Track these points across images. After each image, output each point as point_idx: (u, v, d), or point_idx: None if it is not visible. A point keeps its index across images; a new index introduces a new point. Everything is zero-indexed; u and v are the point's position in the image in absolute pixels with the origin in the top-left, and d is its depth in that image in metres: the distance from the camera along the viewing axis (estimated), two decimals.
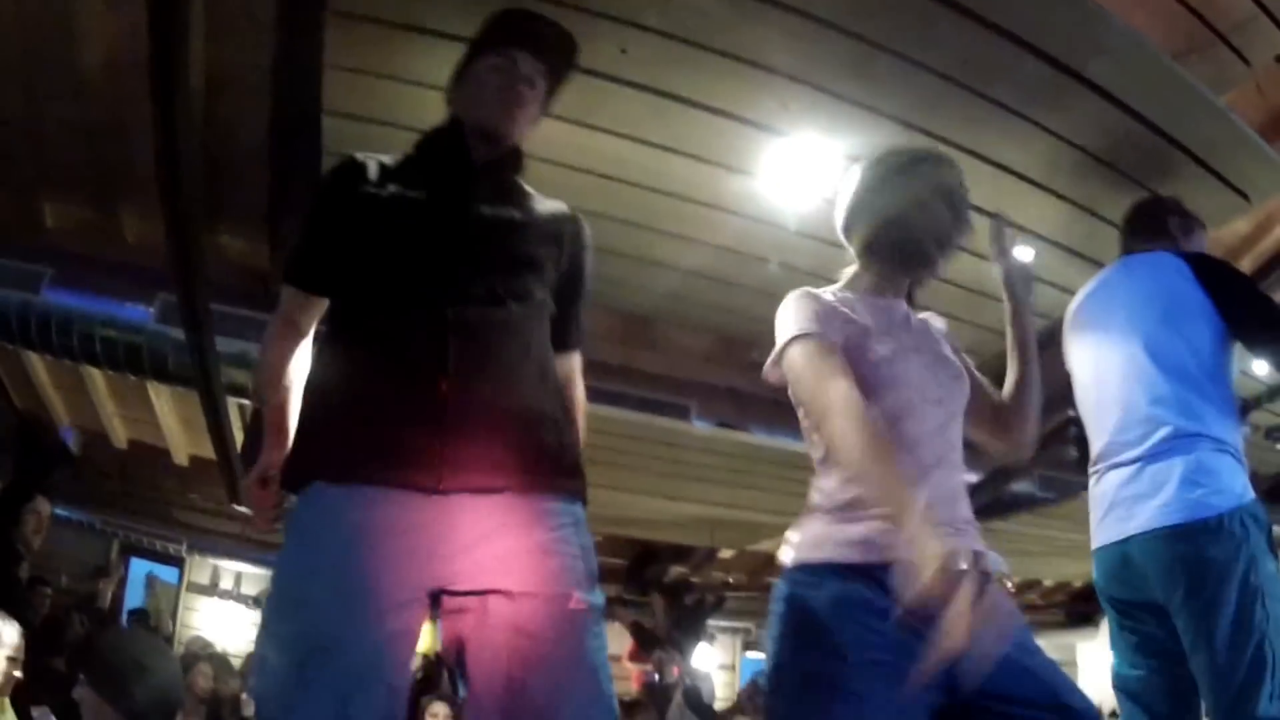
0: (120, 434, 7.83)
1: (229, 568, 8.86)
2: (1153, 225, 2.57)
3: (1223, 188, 3.19)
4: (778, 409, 5.70)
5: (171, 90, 2.67)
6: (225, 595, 8.79)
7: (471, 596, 1.36)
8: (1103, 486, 2.28)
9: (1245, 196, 3.24)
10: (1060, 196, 3.26)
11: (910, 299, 1.85)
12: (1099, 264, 3.34)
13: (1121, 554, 2.18)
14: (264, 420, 1.66)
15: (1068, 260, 3.53)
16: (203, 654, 6.09)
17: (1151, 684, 2.20)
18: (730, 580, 10.00)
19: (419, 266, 1.50)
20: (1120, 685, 2.26)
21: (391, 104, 2.90)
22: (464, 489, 1.36)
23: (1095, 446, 2.35)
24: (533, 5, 2.67)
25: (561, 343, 1.66)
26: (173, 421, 7.18)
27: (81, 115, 4.48)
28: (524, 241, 1.60)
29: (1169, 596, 2.08)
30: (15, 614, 3.82)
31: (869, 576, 1.47)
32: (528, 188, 1.71)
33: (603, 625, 1.43)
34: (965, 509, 1.65)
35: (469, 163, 1.62)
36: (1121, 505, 2.19)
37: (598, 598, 1.43)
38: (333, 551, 1.32)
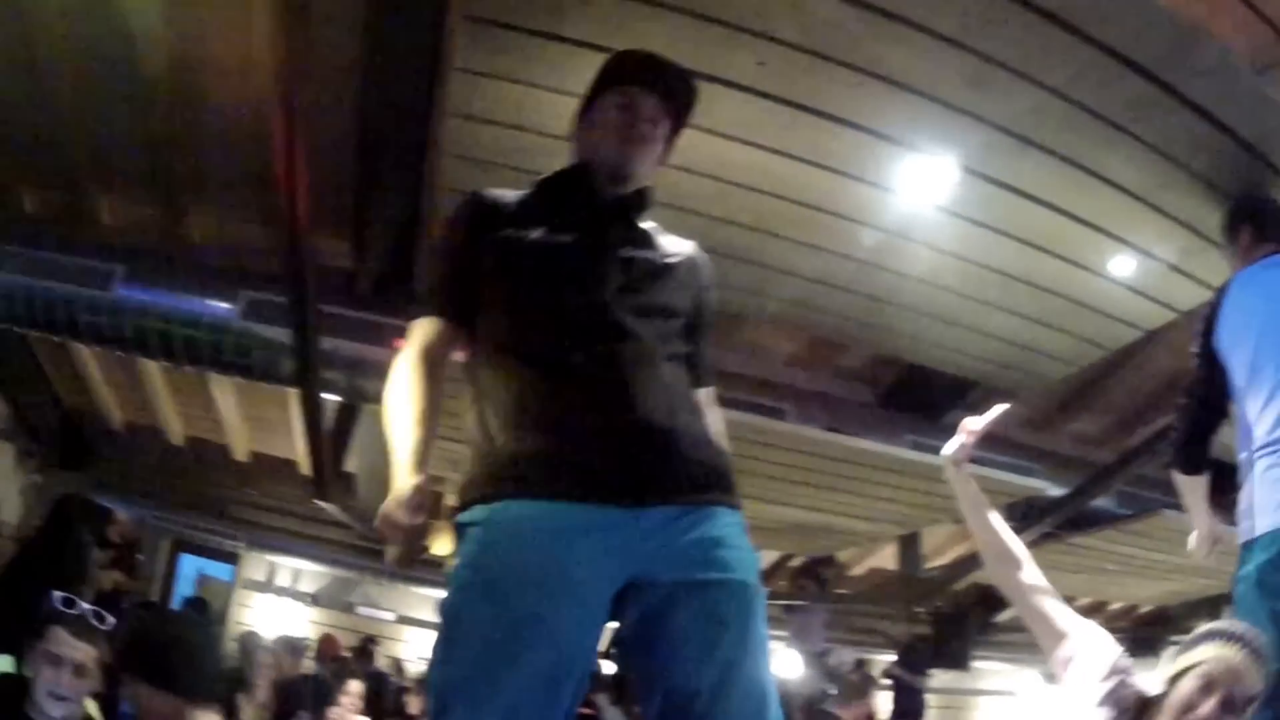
0: (177, 429, 7.75)
1: (287, 564, 8.74)
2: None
3: None
4: (868, 412, 5.61)
5: (292, 102, 2.59)
6: (282, 592, 8.70)
7: (662, 587, 1.48)
8: None
9: None
10: (1157, 209, 3.39)
11: None
12: (1191, 276, 3.67)
13: None
14: (410, 449, 1.58)
15: (1165, 273, 3.72)
16: (260, 643, 5.96)
17: None
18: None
19: (576, 304, 1.61)
20: None
21: (519, 108, 2.97)
22: (650, 502, 1.49)
23: (1264, 428, 2.31)
24: (678, 18, 2.64)
25: (695, 380, 1.75)
26: (235, 418, 7.08)
27: (141, 115, 4.35)
28: (662, 288, 1.70)
29: None
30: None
31: None
32: (653, 227, 1.78)
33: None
34: None
35: (602, 204, 1.71)
36: None
37: (762, 584, 1.59)
38: (533, 546, 1.43)
